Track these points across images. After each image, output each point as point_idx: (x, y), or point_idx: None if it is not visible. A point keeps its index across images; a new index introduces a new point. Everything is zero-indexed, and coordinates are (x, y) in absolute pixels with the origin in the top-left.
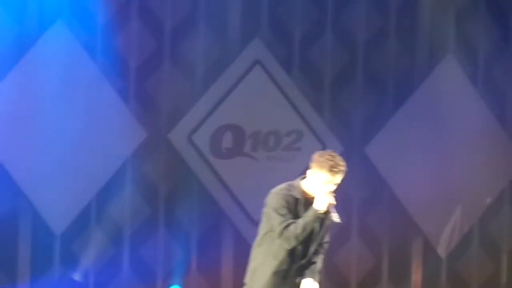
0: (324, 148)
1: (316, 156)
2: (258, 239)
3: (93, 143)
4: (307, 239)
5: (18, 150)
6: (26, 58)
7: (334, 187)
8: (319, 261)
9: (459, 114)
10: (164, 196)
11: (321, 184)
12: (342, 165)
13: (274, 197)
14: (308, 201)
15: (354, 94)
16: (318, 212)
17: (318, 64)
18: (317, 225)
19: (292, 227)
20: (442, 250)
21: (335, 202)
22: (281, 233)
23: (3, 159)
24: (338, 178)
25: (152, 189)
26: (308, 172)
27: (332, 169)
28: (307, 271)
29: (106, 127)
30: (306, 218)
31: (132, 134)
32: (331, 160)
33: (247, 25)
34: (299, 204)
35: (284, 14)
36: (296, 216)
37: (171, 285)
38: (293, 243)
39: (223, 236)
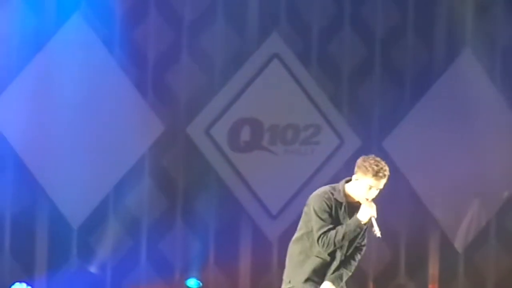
0: (342, 142)
1: (360, 161)
2: (297, 235)
3: (111, 136)
4: (348, 243)
5: (36, 143)
6: (44, 52)
7: (377, 191)
8: (352, 265)
9: (477, 108)
10: (182, 190)
11: (365, 188)
12: (387, 170)
13: (317, 200)
14: (350, 205)
15: (372, 88)
16: (361, 222)
17: (336, 58)
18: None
19: (332, 234)
20: (459, 244)
21: (376, 215)
22: (319, 238)
23: (20, 153)
24: (382, 183)
25: (170, 182)
26: (353, 177)
27: (377, 174)
28: (331, 276)
29: (124, 120)
30: (347, 227)
31: (150, 128)
32: (376, 165)
33: (266, 18)
34: (341, 207)
35: (302, 8)
36: (337, 219)
37: (188, 278)
38: (330, 249)
39: (240, 230)
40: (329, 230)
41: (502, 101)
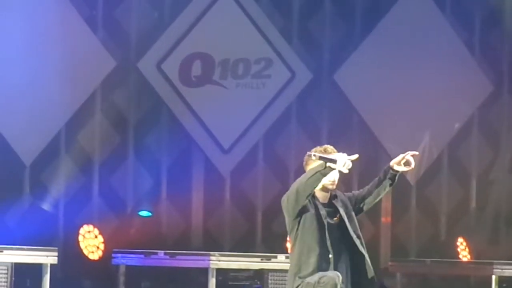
0: (293, 75)
1: (305, 157)
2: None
3: (63, 72)
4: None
5: None
6: None
7: (336, 170)
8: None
9: (427, 40)
10: (134, 125)
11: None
12: (331, 146)
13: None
14: (327, 205)
15: (322, 21)
16: (324, 163)
17: None
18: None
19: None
20: (411, 176)
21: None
22: (287, 196)
23: None
24: None
25: (121, 117)
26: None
27: (326, 150)
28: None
29: (75, 56)
30: (311, 170)
31: (101, 63)
32: (320, 147)
33: None
34: (319, 208)
35: None
36: (311, 216)
37: (140, 211)
38: (301, 191)
39: (192, 164)
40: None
41: (451, 33)
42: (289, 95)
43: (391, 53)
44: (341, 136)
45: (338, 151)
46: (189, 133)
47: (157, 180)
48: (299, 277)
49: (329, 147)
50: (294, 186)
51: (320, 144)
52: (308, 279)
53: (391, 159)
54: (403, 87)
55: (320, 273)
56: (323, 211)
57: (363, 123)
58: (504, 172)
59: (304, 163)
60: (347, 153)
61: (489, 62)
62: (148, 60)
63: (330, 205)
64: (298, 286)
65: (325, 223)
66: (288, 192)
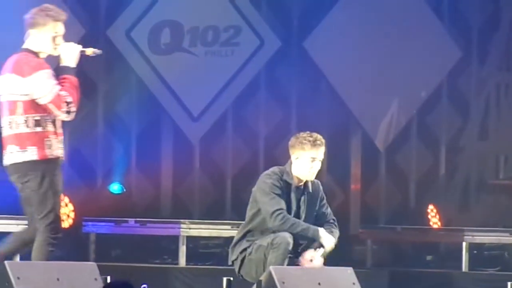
0: (262, 42)
1: (293, 140)
2: (246, 220)
3: None
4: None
5: None
6: None
7: (320, 163)
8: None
9: (396, 6)
10: (103, 93)
11: (308, 163)
12: (321, 137)
13: (267, 178)
14: (299, 188)
15: None
16: (318, 236)
17: None
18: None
19: (292, 218)
20: (380, 143)
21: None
22: (274, 212)
23: None
24: (322, 152)
25: (91, 85)
26: (292, 157)
27: (315, 143)
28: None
29: None
30: (307, 230)
31: (71, 31)
32: (311, 137)
33: None
34: (290, 190)
35: None
36: (288, 201)
37: (111, 183)
38: (283, 229)
39: (162, 132)
40: (284, 209)
41: (421, 0)
42: (258, 62)
43: (360, 20)
44: (310, 103)
45: (307, 118)
46: (159, 101)
47: (127, 148)
48: (247, 240)
49: (319, 139)
50: (289, 222)
51: (289, 112)
52: (259, 242)
53: (360, 126)
54: (372, 54)
55: (272, 235)
56: (293, 196)
57: (332, 90)
58: (473, 138)
59: (291, 144)
60: (314, 120)
61: (458, 29)
62: (117, 28)
63: (301, 189)
64: (246, 248)
65: (299, 209)
66: (281, 215)
